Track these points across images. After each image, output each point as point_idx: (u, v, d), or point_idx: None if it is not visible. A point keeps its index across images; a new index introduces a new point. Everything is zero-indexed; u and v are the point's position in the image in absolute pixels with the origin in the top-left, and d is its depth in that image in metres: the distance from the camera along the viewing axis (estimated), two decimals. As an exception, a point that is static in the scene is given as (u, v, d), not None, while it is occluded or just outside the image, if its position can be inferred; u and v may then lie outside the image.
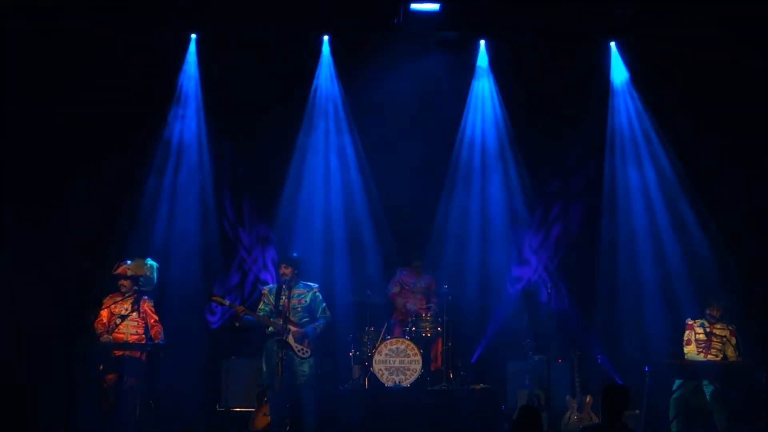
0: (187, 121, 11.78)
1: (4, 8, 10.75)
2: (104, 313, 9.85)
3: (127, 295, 9.86)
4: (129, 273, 9.94)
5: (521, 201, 11.94)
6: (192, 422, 10.73)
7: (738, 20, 10.88)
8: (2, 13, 10.78)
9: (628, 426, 6.97)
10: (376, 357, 10.50)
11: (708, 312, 10.06)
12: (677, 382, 9.94)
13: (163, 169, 11.57)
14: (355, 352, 10.86)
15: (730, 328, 10.06)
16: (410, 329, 10.85)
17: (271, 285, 10.08)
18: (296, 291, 9.72)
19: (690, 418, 9.92)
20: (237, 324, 9.68)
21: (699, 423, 9.96)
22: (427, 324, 10.93)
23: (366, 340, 10.84)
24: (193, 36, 11.64)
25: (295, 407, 9.68)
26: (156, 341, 9.88)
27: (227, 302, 9.79)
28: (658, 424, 10.01)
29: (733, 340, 9.96)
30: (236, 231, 11.89)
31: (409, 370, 10.45)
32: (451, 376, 10.83)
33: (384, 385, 10.43)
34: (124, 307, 9.81)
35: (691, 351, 10.02)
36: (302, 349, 9.58)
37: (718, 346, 10.00)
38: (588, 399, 10.41)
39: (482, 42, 11.97)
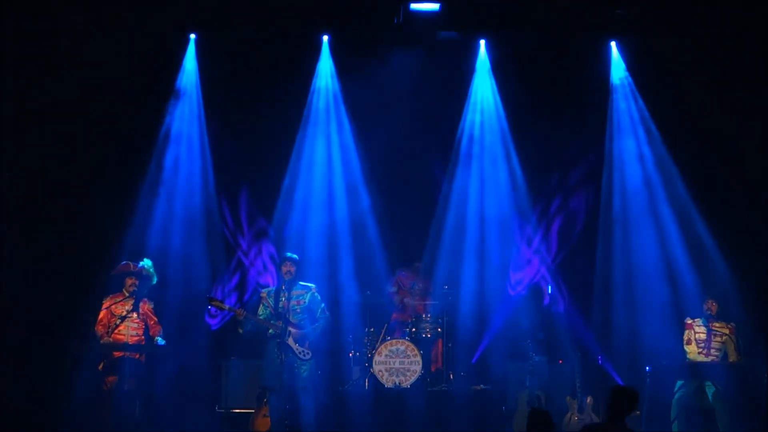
0: (187, 121, 11.77)
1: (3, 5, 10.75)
2: (103, 314, 9.82)
3: (128, 295, 9.82)
4: (135, 270, 9.89)
5: (521, 200, 11.93)
6: (192, 423, 10.72)
7: (738, 20, 10.88)
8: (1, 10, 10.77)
9: (628, 426, 6.95)
10: (376, 358, 10.49)
11: (705, 309, 10.05)
12: (679, 383, 9.95)
13: (162, 169, 11.56)
14: (355, 353, 10.86)
15: (729, 326, 10.06)
16: (410, 330, 10.84)
17: (269, 288, 10.07)
18: (294, 292, 9.73)
19: (691, 419, 9.92)
20: (240, 330, 9.68)
21: (700, 424, 9.95)
22: (428, 325, 10.92)
23: (366, 340, 10.83)
24: (193, 36, 11.63)
25: (294, 408, 9.66)
26: (156, 342, 9.85)
27: (227, 306, 9.79)
28: (658, 424, 10.00)
29: (733, 339, 9.94)
30: (235, 232, 11.87)
31: (409, 371, 10.44)
32: (452, 377, 10.82)
33: (384, 386, 10.43)
34: (125, 308, 9.78)
35: (692, 351, 10.02)
36: (303, 351, 9.57)
37: (718, 345, 10.00)
38: (589, 400, 10.40)
39: (482, 42, 11.96)
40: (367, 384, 10.60)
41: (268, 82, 11.63)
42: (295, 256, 9.87)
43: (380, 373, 10.45)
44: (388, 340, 10.66)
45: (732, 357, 9.95)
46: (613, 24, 11.37)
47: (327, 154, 11.93)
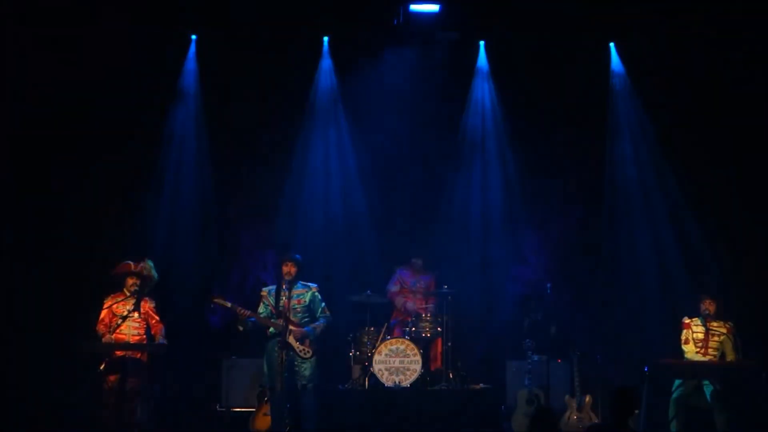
0: (188, 122, 11.81)
1: (3, 6, 10.79)
2: (105, 313, 9.84)
3: (129, 294, 9.85)
4: (135, 270, 9.91)
5: (521, 201, 11.98)
6: (192, 422, 10.76)
7: (738, 20, 10.94)
8: (2, 12, 10.81)
9: (631, 426, 7.00)
10: (376, 357, 10.53)
11: (703, 308, 10.07)
12: (677, 382, 9.97)
13: (163, 169, 11.61)
14: (355, 352, 10.89)
15: (727, 325, 10.07)
16: (410, 329, 10.88)
17: (269, 287, 10.10)
18: (295, 291, 9.77)
19: (689, 418, 9.95)
20: (240, 328, 9.70)
21: (698, 423, 9.99)
22: (427, 324, 10.96)
23: (366, 340, 10.87)
24: (194, 37, 11.67)
25: (295, 407, 9.70)
26: (157, 341, 9.88)
27: (229, 304, 9.80)
28: (657, 424, 10.03)
29: (731, 338, 9.96)
30: (237, 230, 11.91)
31: (408, 370, 10.47)
32: (451, 376, 10.85)
33: (384, 385, 10.46)
34: (126, 308, 9.79)
35: (690, 350, 10.04)
36: (304, 350, 9.62)
37: (716, 344, 10.02)
38: (587, 399, 10.44)
39: (482, 43, 12.01)
40: (366, 383, 10.63)
41: (268, 82, 11.67)
42: (297, 256, 9.91)
43: (380, 372, 10.48)
44: (388, 339, 10.70)
45: (730, 356, 9.97)
46: (613, 24, 11.41)
47: (328, 154, 11.99)
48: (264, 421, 10.24)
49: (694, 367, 9.91)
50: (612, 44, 11.85)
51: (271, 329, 9.70)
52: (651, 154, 11.75)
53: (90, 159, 11.22)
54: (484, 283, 11.80)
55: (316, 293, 9.88)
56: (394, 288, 11.42)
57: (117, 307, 9.83)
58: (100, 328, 9.75)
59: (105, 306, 9.89)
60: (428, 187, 12.02)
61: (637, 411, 10.02)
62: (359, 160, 11.97)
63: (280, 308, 9.66)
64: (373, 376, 10.53)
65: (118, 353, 9.66)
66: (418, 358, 10.49)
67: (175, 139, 11.72)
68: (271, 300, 9.78)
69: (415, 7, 11.14)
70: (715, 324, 10.05)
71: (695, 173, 11.49)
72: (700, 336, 10.05)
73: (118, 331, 9.71)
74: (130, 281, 9.88)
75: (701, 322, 10.08)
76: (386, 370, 10.49)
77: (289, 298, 9.68)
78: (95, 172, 11.25)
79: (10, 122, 10.99)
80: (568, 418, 10.42)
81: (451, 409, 10.35)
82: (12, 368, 10.57)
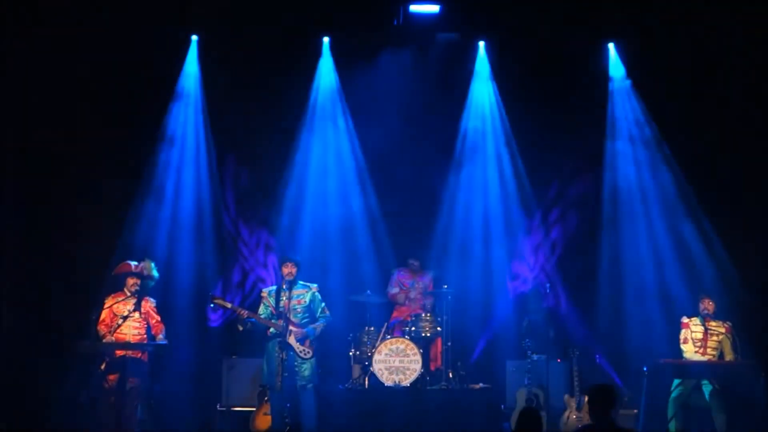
0: (188, 122, 11.82)
1: (5, 9, 10.81)
2: (105, 313, 9.84)
3: (130, 294, 9.85)
4: (135, 270, 9.92)
5: (520, 202, 12.00)
6: (192, 422, 10.77)
7: (738, 19, 10.96)
8: (3, 15, 10.83)
9: (616, 424, 6.99)
10: (376, 357, 10.53)
11: (702, 308, 10.09)
12: (676, 382, 9.99)
13: (164, 170, 11.62)
14: (355, 351, 10.90)
15: (726, 324, 10.09)
16: (410, 329, 10.89)
17: (270, 287, 10.12)
18: (295, 291, 9.80)
19: (688, 418, 9.97)
20: (240, 328, 9.73)
21: (697, 422, 10.01)
22: (427, 324, 10.97)
23: (366, 339, 10.88)
24: (194, 37, 11.68)
25: (295, 407, 9.72)
26: (158, 341, 9.89)
27: (229, 305, 9.82)
28: (656, 423, 10.06)
29: (730, 337, 9.98)
30: (237, 230, 11.92)
31: (408, 369, 10.47)
32: (451, 375, 10.87)
33: (384, 384, 10.46)
34: (127, 307, 9.79)
35: (688, 350, 10.06)
36: (304, 350, 9.65)
37: (714, 344, 10.04)
38: (587, 398, 10.45)
39: (481, 44, 12.02)
40: (366, 383, 10.64)
41: (269, 83, 11.68)
42: (297, 257, 9.94)
43: (380, 371, 10.49)
44: (388, 338, 10.71)
45: (728, 356, 10.00)
46: (612, 25, 11.43)
47: (327, 155, 12.00)
48: (264, 420, 10.27)
49: (693, 367, 9.94)
50: (612, 44, 11.86)
51: (272, 329, 9.72)
52: (650, 154, 11.76)
53: (90, 159, 11.23)
54: (484, 283, 11.81)
55: (317, 293, 9.91)
56: (394, 290, 11.46)
57: (117, 307, 9.83)
58: (101, 328, 9.75)
59: (105, 306, 9.89)
60: (428, 188, 12.03)
61: (635, 410, 10.14)
62: (359, 160, 11.98)
63: (281, 309, 9.68)
64: (373, 376, 10.54)
65: (119, 353, 9.65)
66: (418, 357, 10.49)
67: (175, 139, 11.73)
68: (272, 300, 9.81)
69: (415, 8, 11.16)
70: (713, 323, 10.07)
71: (695, 173, 11.50)
72: (699, 335, 10.07)
73: (118, 331, 9.71)
74: (130, 281, 9.88)
75: (700, 321, 10.10)
76: (386, 369, 10.50)
77: (290, 298, 9.71)
78: (95, 172, 11.25)
79: (11, 122, 11.00)
80: (568, 417, 10.44)
81: (451, 409, 10.34)
82: (12, 368, 10.57)
